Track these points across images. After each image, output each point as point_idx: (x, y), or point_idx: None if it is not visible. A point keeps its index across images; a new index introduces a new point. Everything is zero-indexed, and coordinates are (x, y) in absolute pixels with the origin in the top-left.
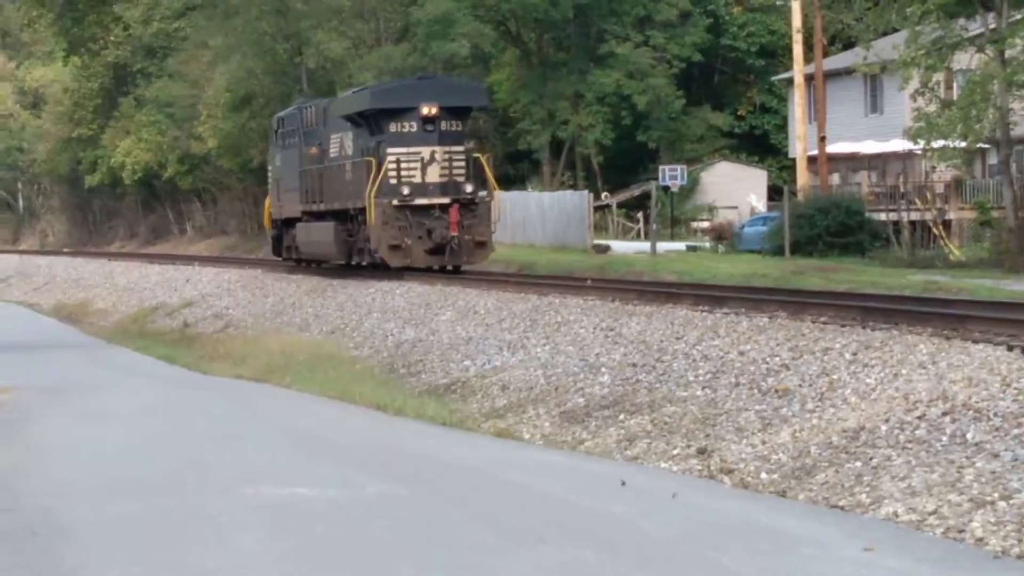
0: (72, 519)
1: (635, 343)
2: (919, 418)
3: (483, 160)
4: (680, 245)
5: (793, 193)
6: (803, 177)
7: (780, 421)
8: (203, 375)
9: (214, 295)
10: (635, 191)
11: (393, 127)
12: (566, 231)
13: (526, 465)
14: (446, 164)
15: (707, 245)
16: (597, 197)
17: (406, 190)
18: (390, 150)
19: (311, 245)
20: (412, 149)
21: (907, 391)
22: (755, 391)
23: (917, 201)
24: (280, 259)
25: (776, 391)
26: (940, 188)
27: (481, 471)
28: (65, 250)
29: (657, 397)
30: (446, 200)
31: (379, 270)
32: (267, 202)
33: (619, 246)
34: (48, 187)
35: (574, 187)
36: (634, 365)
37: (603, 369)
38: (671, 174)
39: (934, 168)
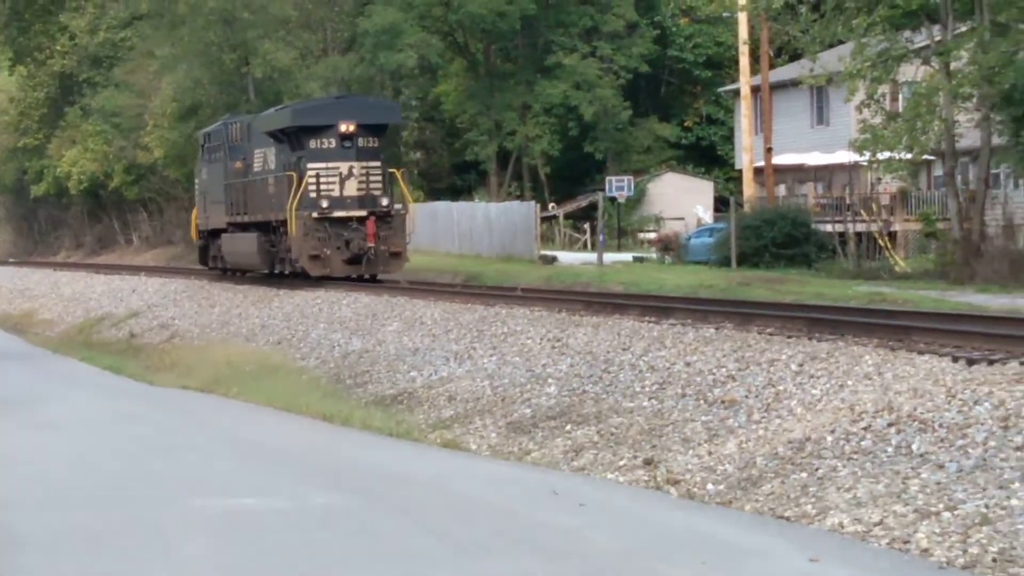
0: (19, 531)
1: (582, 354)
2: (864, 429)
3: (398, 175)
4: (627, 256)
5: (739, 204)
6: (749, 188)
7: (726, 432)
8: (149, 385)
9: (160, 305)
10: (582, 202)
11: (313, 143)
12: (513, 242)
13: (473, 476)
14: (363, 178)
15: (654, 256)
16: (544, 208)
17: (325, 203)
18: (310, 165)
19: (236, 255)
20: (331, 164)
21: (853, 402)
22: (702, 402)
23: (863, 213)
24: (207, 268)
25: (722, 402)
26: (886, 200)
27: (428, 482)
28: (10, 260)
29: (604, 408)
30: (363, 213)
31: (304, 280)
32: (194, 213)
33: (566, 257)
34: None
35: (521, 198)
36: (581, 376)
37: (550, 380)
38: (618, 185)
39: (880, 180)
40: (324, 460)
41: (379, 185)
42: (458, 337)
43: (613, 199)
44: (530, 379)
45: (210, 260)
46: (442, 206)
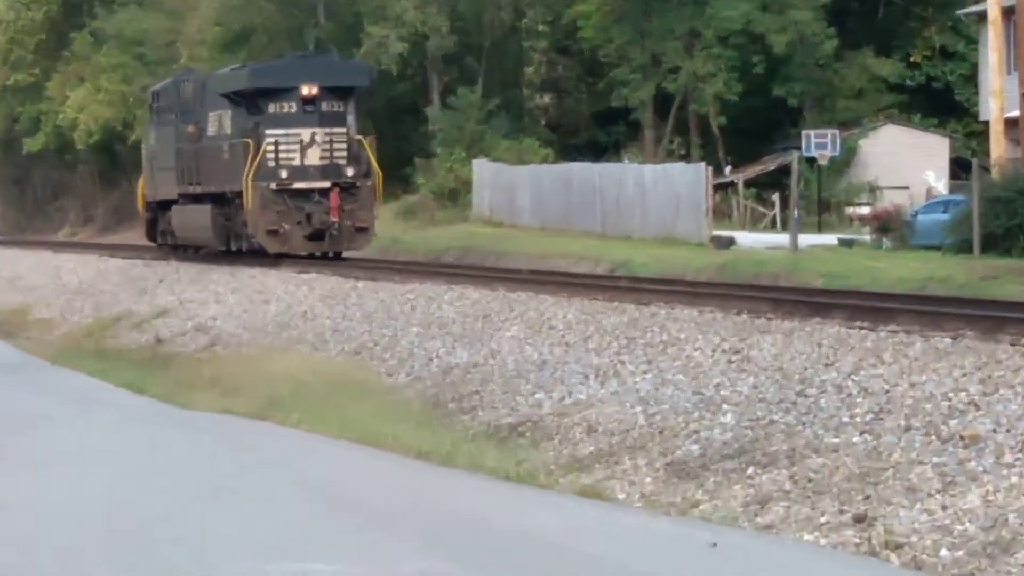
0: None
1: (769, 371)
2: None
3: (365, 143)
4: (831, 238)
5: (985, 169)
6: (999, 147)
7: (967, 479)
8: (182, 409)
9: (197, 300)
10: (769, 165)
11: (272, 107)
12: (675, 218)
13: (620, 535)
14: (327, 146)
15: (867, 239)
16: (718, 172)
17: (284, 173)
18: (269, 131)
19: (187, 229)
20: (291, 131)
21: None
22: (933, 438)
23: None
24: (154, 244)
25: (962, 438)
26: None
27: (558, 543)
28: None
29: (799, 445)
30: (326, 184)
31: (395, 270)
32: (141, 182)
33: (747, 239)
34: None
35: (687, 158)
36: (767, 401)
37: (725, 406)
38: (819, 142)
39: None
40: (417, 512)
41: (343, 154)
42: (600, 347)
43: (812, 160)
44: (698, 405)
45: (159, 235)
46: (579, 169)
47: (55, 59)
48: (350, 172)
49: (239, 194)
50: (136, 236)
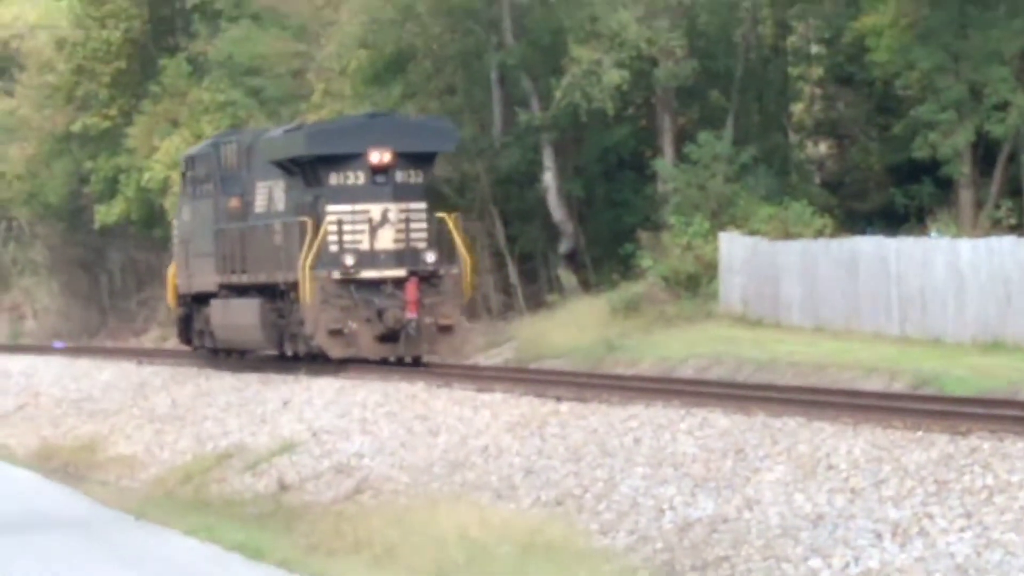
0: None
1: None
2: None
3: (450, 221)
4: None
5: None
6: None
7: None
8: None
9: (336, 430)
10: None
11: (335, 178)
12: (1003, 314)
13: None
14: (402, 226)
15: None
16: None
17: (350, 260)
18: (330, 208)
19: (229, 329)
20: (359, 207)
21: None
22: None
23: None
24: (190, 349)
25: None
26: None
27: None
28: (58, 344)
29: None
30: (402, 273)
31: (588, 386)
32: (171, 271)
33: None
34: (24, 226)
35: (1018, 230)
36: None
37: None
38: None
39: None
40: None
41: (423, 235)
42: (898, 494)
43: None
44: None
45: (195, 336)
46: (868, 247)
47: (138, 95)
48: (431, 258)
49: (294, 285)
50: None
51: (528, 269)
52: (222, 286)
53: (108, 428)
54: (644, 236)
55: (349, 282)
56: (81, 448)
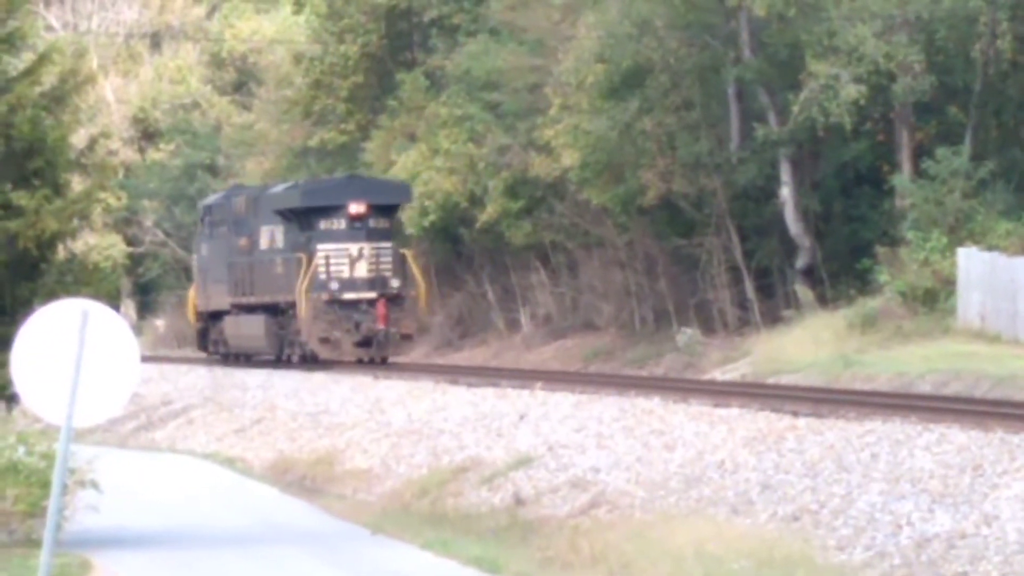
0: None
1: None
2: None
3: (409, 256)
4: None
5: None
6: None
7: None
8: None
9: (572, 444)
10: None
11: (323, 224)
12: None
13: None
14: (374, 260)
15: None
16: None
17: (335, 285)
18: (320, 246)
19: (240, 338)
20: (341, 246)
21: None
22: None
23: None
24: (205, 354)
25: None
26: None
27: None
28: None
29: None
30: (374, 295)
31: (818, 401)
32: (191, 293)
33: None
34: None
35: None
36: None
37: None
38: None
39: None
40: None
41: (389, 266)
42: None
43: None
44: None
45: (210, 344)
46: None
47: (376, 110)
48: (395, 284)
49: (292, 304)
50: (488, 354)
51: (765, 284)
52: (233, 305)
53: (344, 442)
54: (882, 251)
55: (334, 302)
56: (317, 462)
